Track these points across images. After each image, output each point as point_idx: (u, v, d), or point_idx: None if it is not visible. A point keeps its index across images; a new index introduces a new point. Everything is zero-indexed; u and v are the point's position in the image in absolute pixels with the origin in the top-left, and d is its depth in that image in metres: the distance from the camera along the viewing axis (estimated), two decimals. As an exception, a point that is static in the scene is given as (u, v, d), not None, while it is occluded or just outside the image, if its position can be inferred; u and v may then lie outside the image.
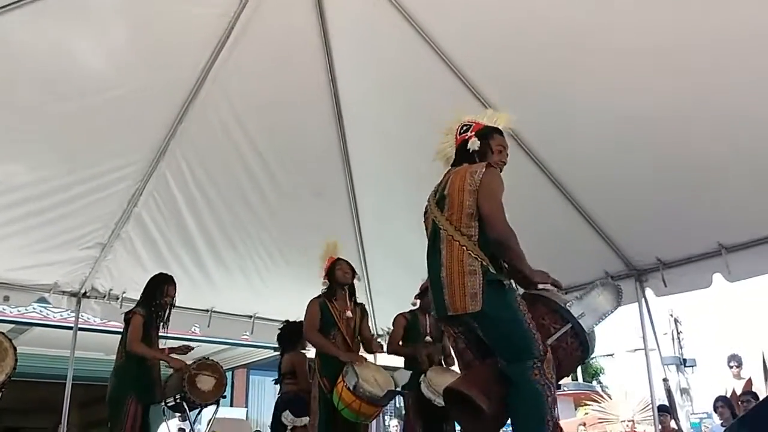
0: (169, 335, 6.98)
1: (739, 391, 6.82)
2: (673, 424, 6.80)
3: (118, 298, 5.92)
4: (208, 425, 5.99)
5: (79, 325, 6.05)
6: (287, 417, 4.74)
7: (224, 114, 4.86)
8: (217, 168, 5.24)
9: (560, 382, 3.00)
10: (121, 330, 4.76)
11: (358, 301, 4.78)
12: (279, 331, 5.51)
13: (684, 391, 11.96)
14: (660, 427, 6.38)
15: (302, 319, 4.65)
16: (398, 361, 5.09)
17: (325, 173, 5.60)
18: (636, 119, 4.15)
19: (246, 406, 14.19)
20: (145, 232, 5.50)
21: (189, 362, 5.03)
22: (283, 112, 4.93)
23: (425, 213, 3.00)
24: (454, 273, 2.66)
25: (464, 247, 2.67)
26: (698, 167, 4.29)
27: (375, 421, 8.07)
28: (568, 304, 2.77)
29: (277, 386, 5.32)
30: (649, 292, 5.35)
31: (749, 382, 7.01)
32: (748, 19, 3.34)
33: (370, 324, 7.14)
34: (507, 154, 3.01)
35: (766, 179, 4.20)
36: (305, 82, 4.84)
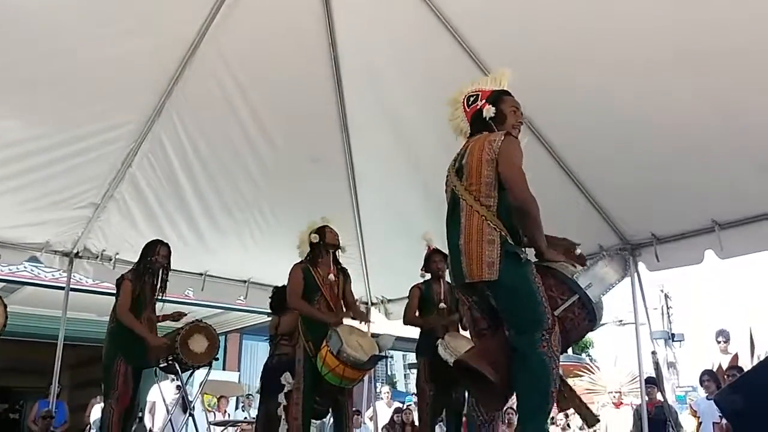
0: (162, 298, 7.00)
1: (725, 366, 6.91)
2: (659, 396, 6.90)
3: (111, 260, 5.91)
4: (200, 387, 6.05)
5: (72, 286, 6.04)
6: (287, 378, 4.75)
7: (221, 76, 4.78)
8: (213, 131, 5.17)
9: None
10: (114, 292, 4.77)
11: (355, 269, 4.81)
12: (270, 297, 5.52)
13: (671, 365, 12.15)
14: (647, 398, 6.48)
15: None
16: (386, 327, 5.15)
17: (323, 138, 5.54)
18: (635, 97, 4.15)
19: (238, 371, 14.33)
20: (139, 193, 5.46)
21: (181, 326, 5.06)
22: (282, 75, 4.85)
23: (446, 181, 2.98)
24: (473, 242, 2.67)
25: (483, 217, 2.68)
26: (694, 144, 4.31)
27: (366, 388, 8.22)
28: (575, 275, 2.78)
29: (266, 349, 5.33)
30: (641, 266, 5.40)
31: (735, 357, 7.10)
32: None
33: (364, 291, 7.26)
34: (521, 113, 2.99)
35: (760, 158, 4.22)
36: (305, 45, 4.76)
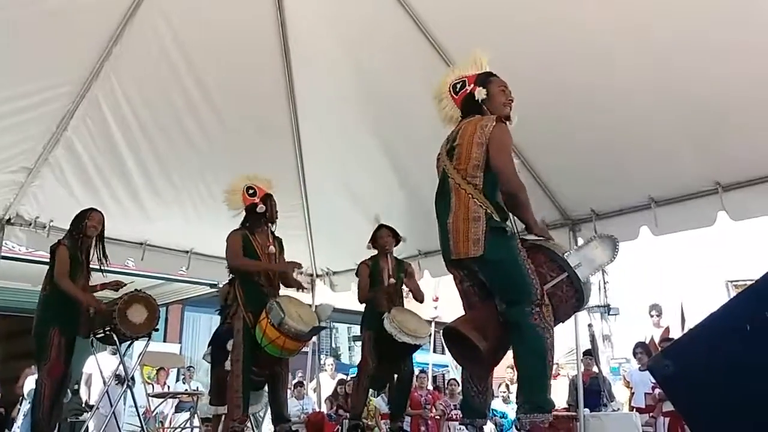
0: (102, 268, 6.76)
1: (657, 339, 7.22)
2: (594, 368, 7.16)
3: (45, 227, 5.66)
4: (138, 358, 5.92)
5: (3, 254, 5.77)
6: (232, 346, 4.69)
7: (164, 38, 4.61)
8: (154, 95, 5.00)
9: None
10: (48, 260, 4.59)
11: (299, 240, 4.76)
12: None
13: (606, 338, 12.60)
14: (583, 370, 6.71)
15: None
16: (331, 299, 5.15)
17: (269, 106, 5.42)
18: (578, 78, 4.22)
19: (180, 342, 14.11)
20: (76, 158, 5.23)
21: (119, 296, 4.91)
22: (227, 40, 4.71)
23: (437, 161, 3.09)
24: (460, 219, 2.80)
25: (470, 195, 2.82)
26: (634, 124, 4.42)
27: (310, 359, 8.23)
28: (566, 254, 2.91)
29: (212, 321, 5.25)
30: (581, 242, 5.55)
31: (667, 330, 7.43)
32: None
33: (309, 262, 7.22)
34: (510, 91, 3.08)
35: (694, 138, 4.39)
36: (252, 10, 4.62)
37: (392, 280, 4.95)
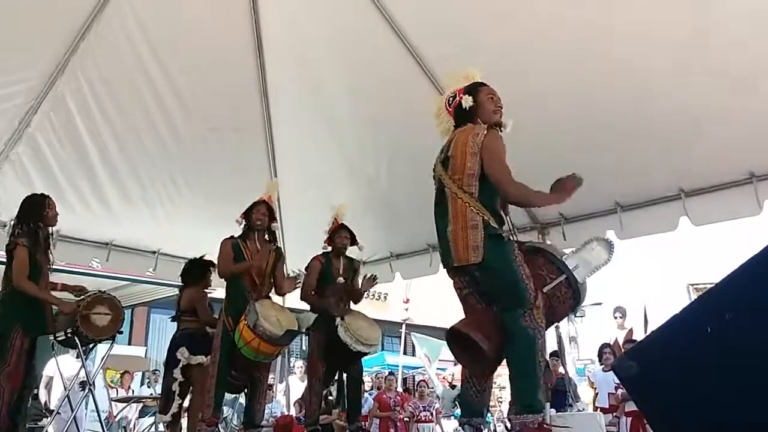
0: (65, 269, 6.60)
1: (621, 340, 7.35)
2: (561, 368, 7.25)
3: (5, 226, 5.49)
4: (101, 361, 5.80)
5: (-38, 253, 5.60)
6: (183, 353, 4.68)
7: (134, 34, 4.54)
8: (123, 91, 4.91)
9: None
10: (5, 260, 4.35)
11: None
12: (183, 267, 5.33)
13: (572, 339, 12.78)
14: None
15: (206, 256, 4.68)
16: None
17: (242, 106, 5.37)
18: (545, 83, 4.30)
19: (145, 345, 13.90)
20: (39, 155, 5.10)
21: (82, 298, 4.80)
22: (199, 37, 4.66)
23: (433, 171, 3.18)
24: (458, 228, 2.89)
25: (467, 204, 2.90)
26: (599, 128, 4.52)
27: (280, 362, 8.16)
28: (564, 257, 3.01)
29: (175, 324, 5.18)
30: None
31: (630, 331, 7.56)
32: None
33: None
34: (499, 98, 3.15)
35: (659, 145, 4.51)
36: (225, 7, 4.59)
37: (341, 279, 4.89)
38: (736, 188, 4.61)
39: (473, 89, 3.15)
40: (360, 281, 5.12)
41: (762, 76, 3.84)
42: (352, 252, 5.18)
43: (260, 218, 4.48)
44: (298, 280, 4.83)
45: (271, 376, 9.53)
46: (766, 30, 3.60)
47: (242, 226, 4.53)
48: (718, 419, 1.40)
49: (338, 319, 4.57)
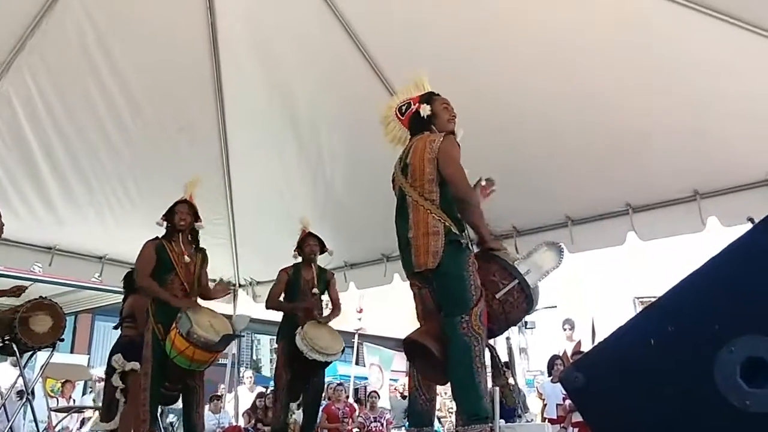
0: (5, 273, 6.35)
1: (570, 352, 7.48)
2: (511, 380, 7.32)
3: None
4: (40, 370, 5.58)
5: None
6: (118, 360, 4.51)
7: (86, 33, 4.41)
8: (71, 92, 4.76)
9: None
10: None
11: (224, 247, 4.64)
12: (126, 273, 5.17)
13: (522, 351, 12.95)
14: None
15: None
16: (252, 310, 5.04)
17: (196, 109, 5.27)
18: (497, 102, 4.39)
19: (88, 353, 13.45)
20: (-20, 155, 4.90)
21: (21, 303, 4.62)
22: (154, 39, 4.57)
23: (392, 179, 3.22)
24: (420, 234, 2.93)
25: (428, 210, 2.95)
26: (551, 145, 4.64)
27: (229, 372, 8.01)
28: (515, 261, 3.04)
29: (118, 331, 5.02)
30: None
31: (579, 343, 7.70)
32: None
33: (232, 270, 7.04)
34: (452, 108, 3.23)
35: (607, 162, 4.66)
36: (181, 9, 4.51)
37: (315, 291, 4.87)
38: (681, 205, 4.78)
39: (429, 98, 3.20)
40: (335, 292, 5.11)
41: (705, 96, 3.99)
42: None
43: (183, 218, 4.28)
44: (230, 289, 4.73)
45: (222, 386, 9.38)
46: (711, 53, 3.75)
47: (165, 226, 4.33)
48: (659, 431, 1.43)
49: (299, 328, 4.54)
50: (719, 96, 3.95)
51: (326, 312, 5.07)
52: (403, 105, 3.27)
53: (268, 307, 4.99)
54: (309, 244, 4.98)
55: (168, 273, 4.17)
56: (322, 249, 5.05)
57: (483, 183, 3.29)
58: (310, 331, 4.55)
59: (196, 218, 4.40)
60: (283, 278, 4.92)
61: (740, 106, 3.96)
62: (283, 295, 4.95)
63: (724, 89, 3.91)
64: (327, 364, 4.70)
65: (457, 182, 2.96)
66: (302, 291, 4.87)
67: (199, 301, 4.36)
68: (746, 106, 3.94)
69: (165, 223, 4.30)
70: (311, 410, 4.86)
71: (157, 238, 4.29)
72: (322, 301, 5.03)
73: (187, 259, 4.24)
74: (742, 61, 3.72)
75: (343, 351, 4.76)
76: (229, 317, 4.69)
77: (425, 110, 3.16)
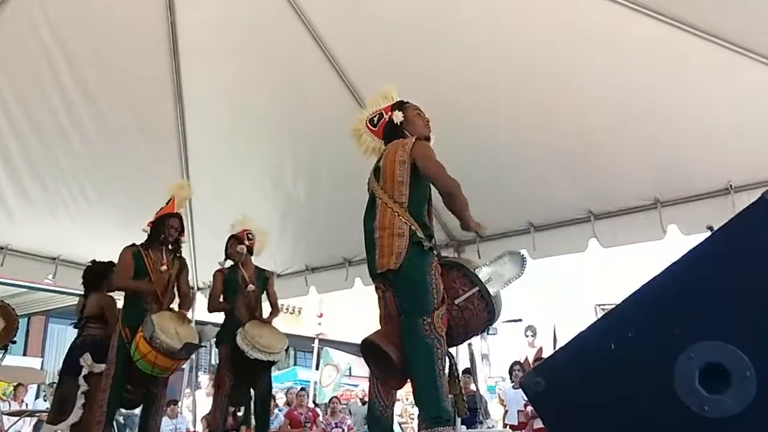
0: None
1: (531, 358, 7.54)
2: (472, 385, 7.36)
3: None
4: (-9, 373, 5.39)
5: None
6: (86, 359, 4.37)
7: (41, 30, 4.29)
8: (27, 89, 4.63)
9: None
10: None
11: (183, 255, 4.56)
12: (84, 270, 5.02)
13: (484, 357, 13.02)
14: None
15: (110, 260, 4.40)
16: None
17: (154, 107, 5.15)
18: (460, 108, 4.40)
19: (42, 356, 13.11)
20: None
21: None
22: (112, 37, 4.46)
23: (367, 183, 3.22)
24: (385, 235, 2.94)
25: (396, 213, 2.95)
26: (514, 151, 4.68)
27: (186, 377, 7.86)
28: (477, 269, 3.03)
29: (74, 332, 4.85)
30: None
31: (540, 350, 7.76)
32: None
33: (190, 275, 6.90)
34: (425, 115, 3.29)
35: (568, 169, 4.72)
36: (141, 8, 4.41)
37: (251, 287, 4.76)
38: (642, 213, 4.84)
39: (401, 106, 3.25)
40: (273, 292, 5.01)
41: (665, 105, 4.06)
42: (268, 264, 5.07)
43: (172, 234, 4.33)
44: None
45: (188, 390, 9.19)
46: (670, 62, 3.82)
47: (147, 235, 4.32)
48: (618, 436, 1.42)
49: (240, 328, 4.45)
50: (679, 106, 4.03)
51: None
52: (374, 116, 3.31)
53: (210, 311, 4.88)
54: (230, 245, 4.87)
55: (141, 279, 4.20)
56: (249, 247, 4.90)
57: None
58: (251, 330, 4.47)
59: (182, 232, 4.45)
60: (219, 278, 4.81)
61: (700, 116, 4.05)
62: (222, 296, 4.82)
63: (684, 99, 3.99)
64: (271, 364, 4.60)
65: (439, 177, 2.98)
66: (240, 290, 4.75)
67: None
68: (706, 116, 4.03)
69: (148, 231, 4.30)
70: (262, 418, 4.74)
71: (134, 244, 4.30)
72: (261, 299, 4.90)
73: (164, 268, 4.26)
74: (701, 71, 3.80)
75: (287, 350, 4.68)
76: (202, 325, 4.60)
77: (398, 117, 3.20)
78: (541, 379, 1.49)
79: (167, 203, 4.42)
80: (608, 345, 1.44)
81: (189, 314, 4.69)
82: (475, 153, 4.67)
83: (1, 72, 4.45)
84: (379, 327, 3.08)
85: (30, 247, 6.01)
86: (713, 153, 4.23)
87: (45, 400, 9.97)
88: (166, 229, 4.30)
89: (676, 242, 4.50)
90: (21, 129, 4.83)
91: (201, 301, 7.17)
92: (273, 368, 4.84)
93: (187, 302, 4.49)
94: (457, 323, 2.97)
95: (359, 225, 3.13)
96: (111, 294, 4.83)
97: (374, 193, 3.10)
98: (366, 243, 3.08)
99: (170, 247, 4.41)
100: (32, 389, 10.48)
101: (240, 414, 5.10)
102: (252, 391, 4.71)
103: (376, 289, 3.11)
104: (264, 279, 4.95)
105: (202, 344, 4.33)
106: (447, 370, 2.87)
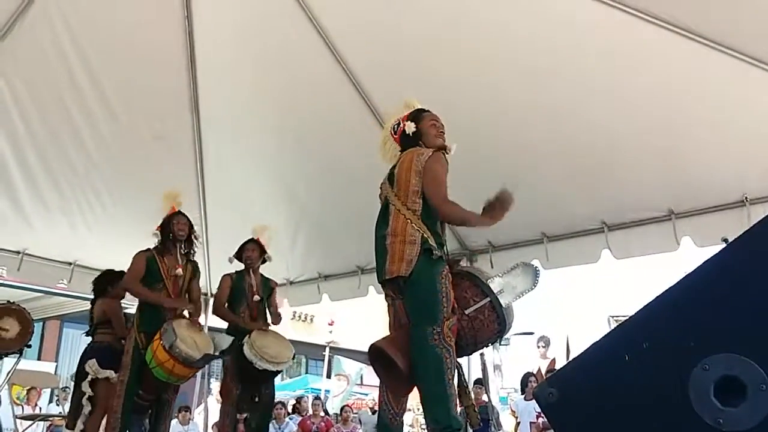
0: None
1: (544, 369, 7.49)
2: (484, 396, 7.31)
3: None
4: (7, 376, 5.44)
5: None
6: (92, 366, 4.40)
7: (60, 35, 4.33)
8: (44, 94, 4.67)
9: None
10: None
11: (196, 258, 4.58)
12: (95, 278, 5.06)
13: (497, 367, 12.96)
14: (473, 398, 6.82)
15: (125, 269, 4.39)
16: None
17: (170, 115, 5.18)
18: (473, 116, 4.37)
19: (56, 361, 13.19)
20: (-51, 156, 4.78)
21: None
22: (129, 42, 4.50)
23: (380, 189, 3.25)
24: (397, 242, 2.95)
25: (408, 220, 2.97)
26: (526, 162, 4.67)
27: (198, 384, 7.88)
28: (489, 280, 3.02)
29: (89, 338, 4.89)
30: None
31: (553, 361, 7.73)
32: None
33: (203, 281, 6.94)
34: (442, 125, 3.29)
35: (582, 180, 4.70)
36: (158, 13, 4.45)
37: (257, 297, 4.76)
38: (656, 224, 4.81)
39: (416, 116, 3.27)
40: (275, 301, 5.02)
41: (681, 117, 4.05)
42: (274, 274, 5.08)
43: (182, 229, 4.34)
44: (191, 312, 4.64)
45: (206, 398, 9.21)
46: (687, 75, 3.81)
47: (158, 239, 4.34)
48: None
49: (246, 337, 4.44)
50: (696, 117, 4.01)
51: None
52: (395, 124, 3.35)
53: (214, 313, 4.90)
54: (246, 249, 4.85)
55: (155, 284, 4.22)
56: (262, 255, 4.92)
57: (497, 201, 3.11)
58: (258, 339, 4.46)
59: (192, 230, 4.43)
60: (226, 283, 4.79)
61: (715, 128, 4.02)
62: (227, 302, 4.80)
63: (698, 111, 3.97)
64: (277, 373, 4.61)
65: (437, 204, 2.99)
66: (246, 297, 4.75)
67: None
68: (721, 128, 4.00)
69: (159, 235, 4.33)
70: (265, 422, 4.72)
71: (148, 249, 4.32)
72: (266, 308, 4.89)
73: (179, 271, 4.29)
74: (716, 83, 3.78)
75: (294, 358, 4.70)
76: (216, 332, 4.62)
77: (410, 128, 3.23)
78: (554, 390, 1.48)
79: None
80: (623, 356, 1.43)
81: (201, 320, 4.71)
82: (489, 163, 4.66)
83: (21, 80, 4.51)
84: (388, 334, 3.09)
85: (46, 252, 6.06)
86: (728, 165, 4.21)
87: (58, 405, 10.01)
88: (175, 227, 4.32)
89: (690, 254, 4.47)
90: (38, 135, 4.89)
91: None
92: (284, 375, 4.86)
93: (198, 309, 4.49)
94: (467, 333, 2.96)
95: (372, 233, 3.14)
96: (116, 299, 4.86)
97: (388, 199, 3.12)
98: (377, 249, 3.09)
99: (183, 249, 4.41)
100: (46, 393, 10.54)
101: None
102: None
103: (386, 296, 3.11)
104: (269, 289, 4.96)
105: (219, 355, 4.33)
106: (457, 381, 2.87)
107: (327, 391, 14.33)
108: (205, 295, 7.09)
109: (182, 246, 4.42)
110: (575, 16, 3.72)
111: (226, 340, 4.42)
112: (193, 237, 4.49)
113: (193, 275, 4.45)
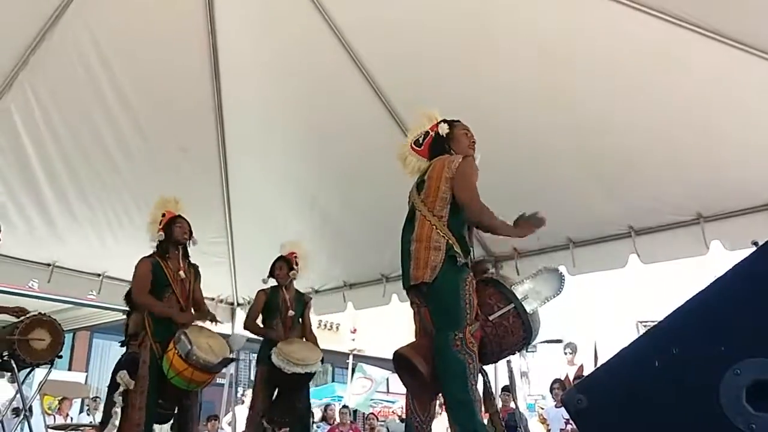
0: (2, 289, 6.34)
1: (572, 376, 7.39)
2: (512, 403, 7.24)
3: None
4: (38, 387, 5.53)
5: None
6: (123, 377, 4.41)
7: (87, 51, 4.45)
8: (73, 108, 4.78)
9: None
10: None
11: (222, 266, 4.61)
12: (127, 291, 5.12)
13: (524, 374, 12.81)
14: (501, 405, 6.77)
15: None
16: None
17: (196, 129, 5.28)
18: (500, 126, 4.38)
19: (86, 371, 13.38)
20: (-20, 170, 4.90)
21: (20, 319, 4.58)
22: (155, 56, 4.59)
23: (409, 194, 3.23)
24: (422, 248, 2.94)
25: (434, 226, 2.96)
26: (551, 167, 4.64)
27: (227, 392, 7.93)
28: (513, 286, 3.01)
29: (123, 349, 4.95)
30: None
31: (581, 368, 7.61)
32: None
33: (230, 291, 7.01)
34: (472, 134, 3.30)
35: (608, 185, 4.67)
36: (182, 27, 4.54)
37: (291, 313, 4.84)
38: (684, 228, 4.73)
39: (450, 122, 3.28)
40: (308, 317, 5.06)
41: (709, 120, 3.99)
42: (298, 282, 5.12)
43: (185, 233, 4.29)
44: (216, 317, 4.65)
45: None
46: (716, 78, 3.75)
47: (156, 243, 4.29)
48: (664, 455, 1.39)
49: (273, 348, 4.50)
50: (725, 119, 3.95)
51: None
52: (420, 137, 3.34)
53: (245, 328, 4.94)
54: (277, 267, 4.95)
55: (165, 289, 4.15)
56: (291, 271, 4.96)
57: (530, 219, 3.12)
58: (284, 347, 4.53)
59: (191, 235, 4.40)
60: (261, 299, 4.89)
61: (745, 130, 3.95)
62: (261, 316, 4.89)
63: (727, 113, 3.90)
64: (309, 377, 4.62)
65: (472, 208, 2.98)
66: (280, 313, 4.83)
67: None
68: (752, 130, 3.93)
69: (161, 237, 4.25)
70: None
71: (151, 255, 4.25)
72: (298, 322, 4.97)
73: (182, 273, 4.22)
74: (742, 86, 3.72)
75: (322, 361, 4.72)
76: (226, 336, 4.64)
77: (443, 129, 3.23)
78: (582, 396, 1.47)
79: (164, 216, 4.37)
80: (652, 362, 1.41)
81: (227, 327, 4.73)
82: (515, 170, 4.65)
83: (48, 91, 4.60)
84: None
85: (76, 264, 6.15)
86: (758, 167, 4.12)
87: (89, 414, 10.15)
88: (177, 230, 4.26)
89: (720, 258, 4.38)
90: (66, 147, 4.99)
91: (241, 315, 7.27)
92: (311, 383, 4.87)
93: (204, 313, 4.40)
94: (491, 340, 2.93)
95: (396, 241, 3.14)
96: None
97: (414, 205, 3.11)
98: (402, 254, 3.09)
99: (183, 255, 4.34)
100: (77, 403, 10.70)
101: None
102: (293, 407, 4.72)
103: (411, 303, 3.11)
104: (303, 303, 5.02)
105: (236, 357, 4.34)
106: (481, 387, 2.86)
107: (339, 398, 14.29)
108: (231, 304, 7.17)
109: (181, 249, 4.34)
110: (602, 24, 3.70)
111: (240, 340, 4.41)
112: (191, 241, 4.44)
113: (195, 277, 4.39)
